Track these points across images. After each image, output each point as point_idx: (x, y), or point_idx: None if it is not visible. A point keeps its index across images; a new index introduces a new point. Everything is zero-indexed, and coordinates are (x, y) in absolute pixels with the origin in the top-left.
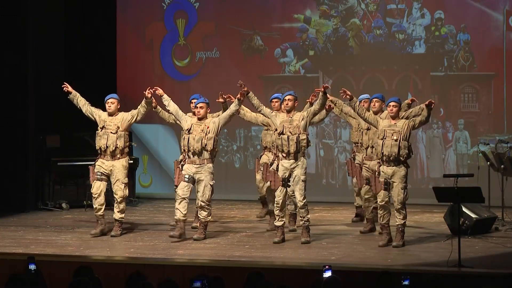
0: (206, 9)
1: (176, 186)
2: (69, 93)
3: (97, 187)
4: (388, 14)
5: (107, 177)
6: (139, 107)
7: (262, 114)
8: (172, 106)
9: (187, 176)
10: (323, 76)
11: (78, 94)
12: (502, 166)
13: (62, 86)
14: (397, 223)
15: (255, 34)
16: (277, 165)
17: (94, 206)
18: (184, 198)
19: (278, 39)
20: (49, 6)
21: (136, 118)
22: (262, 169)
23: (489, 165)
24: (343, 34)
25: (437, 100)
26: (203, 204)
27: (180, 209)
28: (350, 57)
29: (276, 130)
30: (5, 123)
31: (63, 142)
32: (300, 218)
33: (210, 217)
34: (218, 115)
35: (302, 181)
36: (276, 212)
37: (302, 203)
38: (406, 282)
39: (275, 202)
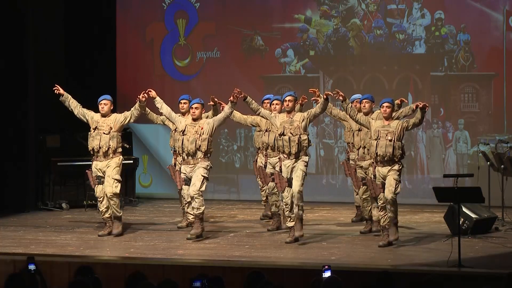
0: (206, 9)
1: (180, 189)
2: (60, 95)
3: (99, 190)
4: (389, 14)
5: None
6: (132, 109)
7: (261, 116)
8: (165, 108)
9: (186, 179)
10: (324, 76)
11: (69, 96)
12: (502, 166)
13: (54, 88)
14: (389, 215)
15: (255, 34)
16: (280, 167)
17: (100, 210)
18: (190, 202)
19: (278, 39)
20: (49, 6)
21: (129, 120)
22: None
23: (489, 165)
24: (344, 34)
25: (437, 100)
26: (193, 194)
27: (191, 212)
28: (351, 57)
29: (266, 131)
30: (5, 123)
31: (63, 142)
32: (294, 206)
33: (203, 208)
34: (208, 116)
35: (301, 170)
36: (287, 213)
37: (298, 188)
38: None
39: (284, 203)
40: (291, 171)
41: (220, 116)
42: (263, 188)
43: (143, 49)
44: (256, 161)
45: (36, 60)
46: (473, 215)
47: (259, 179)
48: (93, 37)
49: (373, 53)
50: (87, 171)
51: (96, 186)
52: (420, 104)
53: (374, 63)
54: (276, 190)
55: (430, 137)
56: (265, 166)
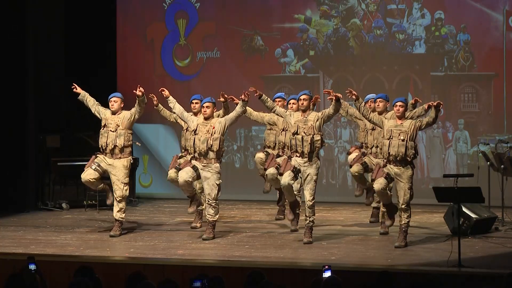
0: (206, 9)
1: (170, 169)
2: (78, 94)
3: (88, 173)
4: (388, 14)
5: (102, 172)
6: (135, 105)
7: (277, 114)
8: (177, 108)
9: (195, 167)
10: (324, 76)
11: (87, 94)
12: (502, 166)
13: (72, 87)
14: (401, 223)
15: (255, 34)
16: (290, 157)
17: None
18: (186, 181)
19: (278, 39)
20: (49, 6)
21: (135, 116)
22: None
23: (489, 165)
24: (344, 34)
25: (437, 100)
26: (209, 202)
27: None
28: (351, 57)
29: (283, 130)
30: (5, 123)
31: (63, 142)
32: (306, 217)
33: (217, 216)
34: (219, 115)
35: (314, 181)
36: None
37: (311, 203)
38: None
39: (281, 184)
40: (299, 168)
41: (232, 115)
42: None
43: (144, 49)
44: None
45: (36, 60)
46: (473, 215)
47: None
48: (94, 37)
49: (373, 53)
50: (93, 155)
51: (89, 168)
52: (434, 103)
53: (374, 63)
54: (273, 177)
55: (430, 137)
56: (278, 156)
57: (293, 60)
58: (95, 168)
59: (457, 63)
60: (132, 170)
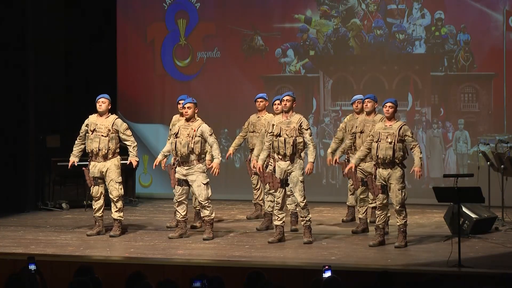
0: (207, 9)
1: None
2: (76, 164)
3: (96, 191)
4: (389, 14)
5: (102, 180)
6: (129, 148)
7: (266, 141)
8: (167, 147)
9: (180, 180)
10: (324, 76)
11: (76, 155)
12: (502, 166)
13: (69, 166)
14: (398, 223)
15: (255, 34)
16: (274, 167)
17: (94, 207)
18: (180, 202)
19: (278, 39)
20: (50, 6)
21: (120, 137)
22: (254, 171)
23: (489, 165)
24: (344, 34)
25: (437, 100)
26: (202, 203)
27: (179, 211)
28: (351, 57)
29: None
30: (5, 123)
31: (63, 142)
32: (301, 218)
33: (213, 215)
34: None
35: (301, 181)
36: (275, 212)
37: (303, 203)
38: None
39: (275, 202)
40: (285, 174)
41: (214, 152)
42: (257, 187)
43: (144, 49)
44: (250, 160)
45: (36, 60)
46: (473, 215)
47: (256, 178)
48: (94, 37)
49: (373, 53)
50: (83, 168)
51: (93, 186)
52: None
53: (374, 63)
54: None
55: (430, 137)
56: (267, 167)
57: (293, 60)
58: (96, 182)
59: (457, 63)
60: (132, 170)
